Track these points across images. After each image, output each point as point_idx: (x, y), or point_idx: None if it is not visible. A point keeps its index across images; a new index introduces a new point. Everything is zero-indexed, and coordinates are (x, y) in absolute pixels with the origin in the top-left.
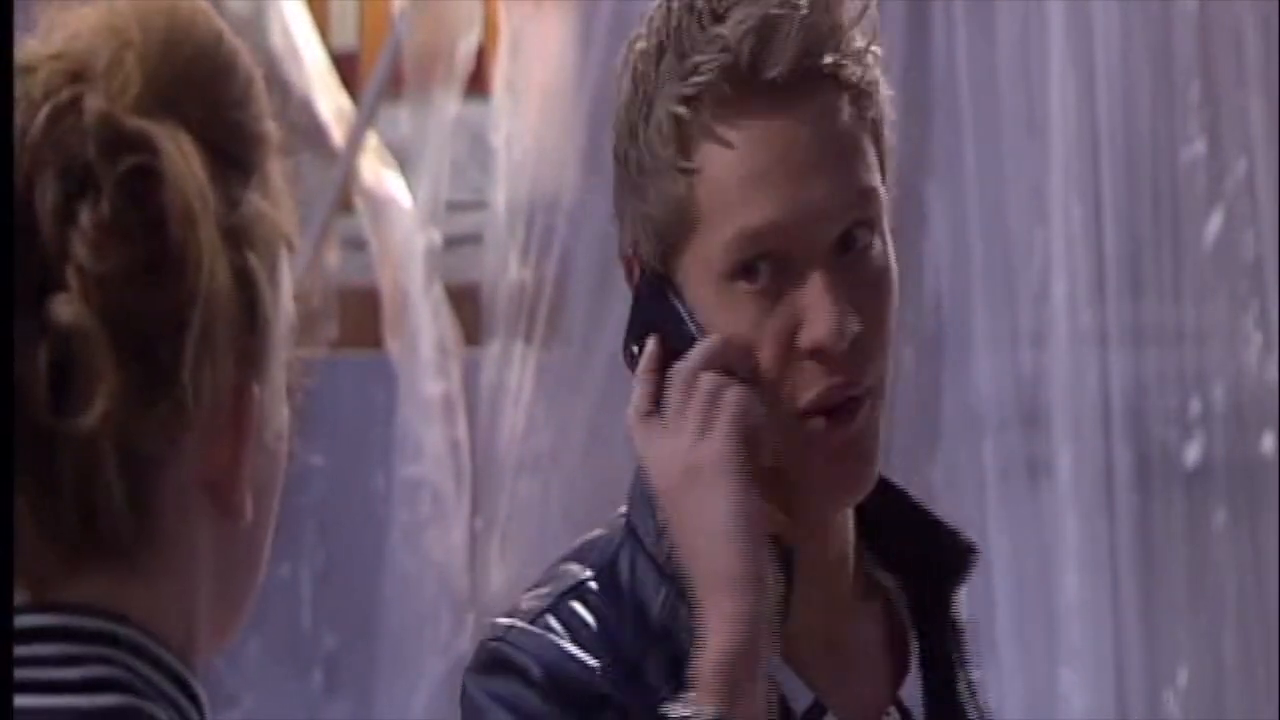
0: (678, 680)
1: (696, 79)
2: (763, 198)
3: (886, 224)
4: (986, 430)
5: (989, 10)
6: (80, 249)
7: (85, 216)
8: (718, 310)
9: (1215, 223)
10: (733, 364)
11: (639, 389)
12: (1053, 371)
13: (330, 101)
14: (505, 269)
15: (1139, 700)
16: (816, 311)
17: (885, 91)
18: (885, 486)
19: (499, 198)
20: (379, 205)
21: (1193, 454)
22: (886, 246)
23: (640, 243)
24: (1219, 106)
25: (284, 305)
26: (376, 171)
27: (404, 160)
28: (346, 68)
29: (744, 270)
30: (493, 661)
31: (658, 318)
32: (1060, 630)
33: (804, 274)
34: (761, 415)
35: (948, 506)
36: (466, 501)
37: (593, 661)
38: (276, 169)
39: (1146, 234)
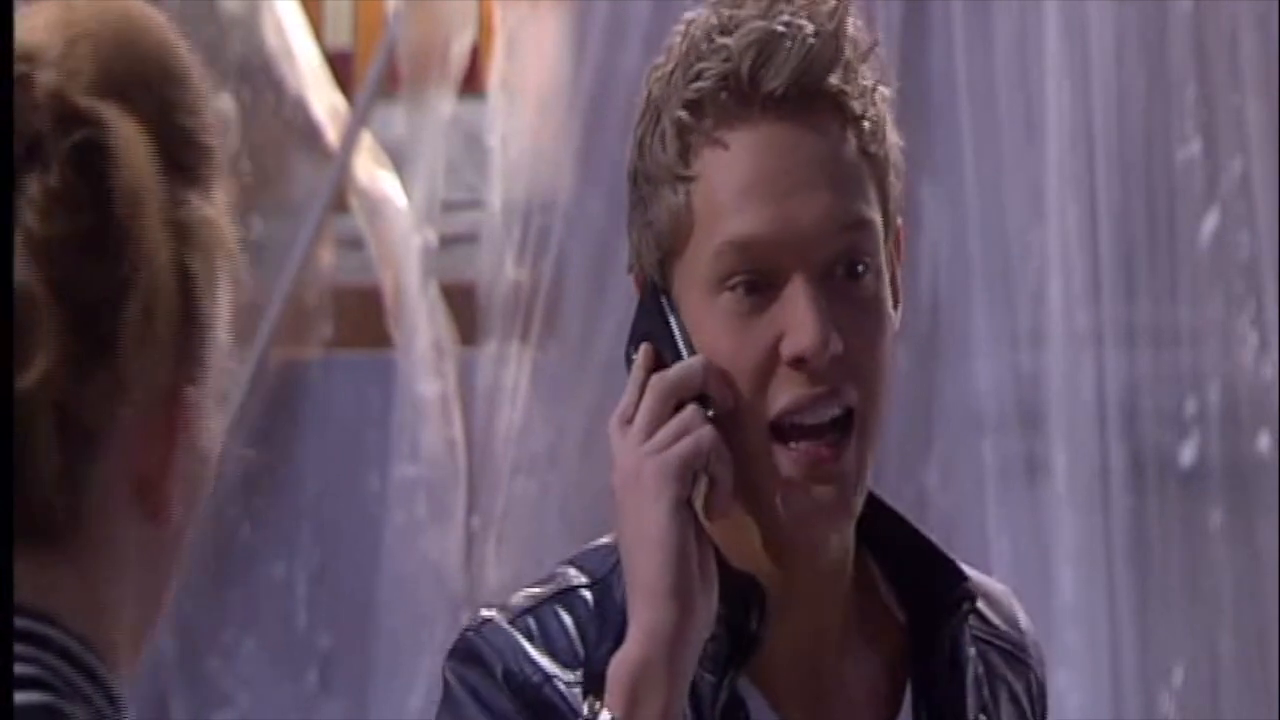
0: None
1: (699, 85)
2: (752, 210)
3: (884, 264)
4: (983, 430)
5: (986, 12)
6: (28, 215)
7: (34, 185)
8: (705, 320)
9: (1211, 223)
10: (710, 388)
11: (626, 396)
12: (1049, 372)
13: (325, 101)
14: (501, 269)
15: (1134, 700)
16: (799, 322)
17: (894, 138)
18: (895, 518)
19: (495, 198)
20: (374, 205)
21: (1188, 454)
22: (880, 284)
23: (642, 254)
24: (1214, 107)
25: (223, 315)
26: (371, 171)
27: (399, 160)
28: (341, 67)
29: (731, 282)
30: (466, 652)
31: (652, 327)
32: (1056, 630)
33: (789, 289)
34: (717, 453)
35: (943, 507)
36: (463, 501)
37: (553, 669)
38: (221, 189)
39: (1142, 234)
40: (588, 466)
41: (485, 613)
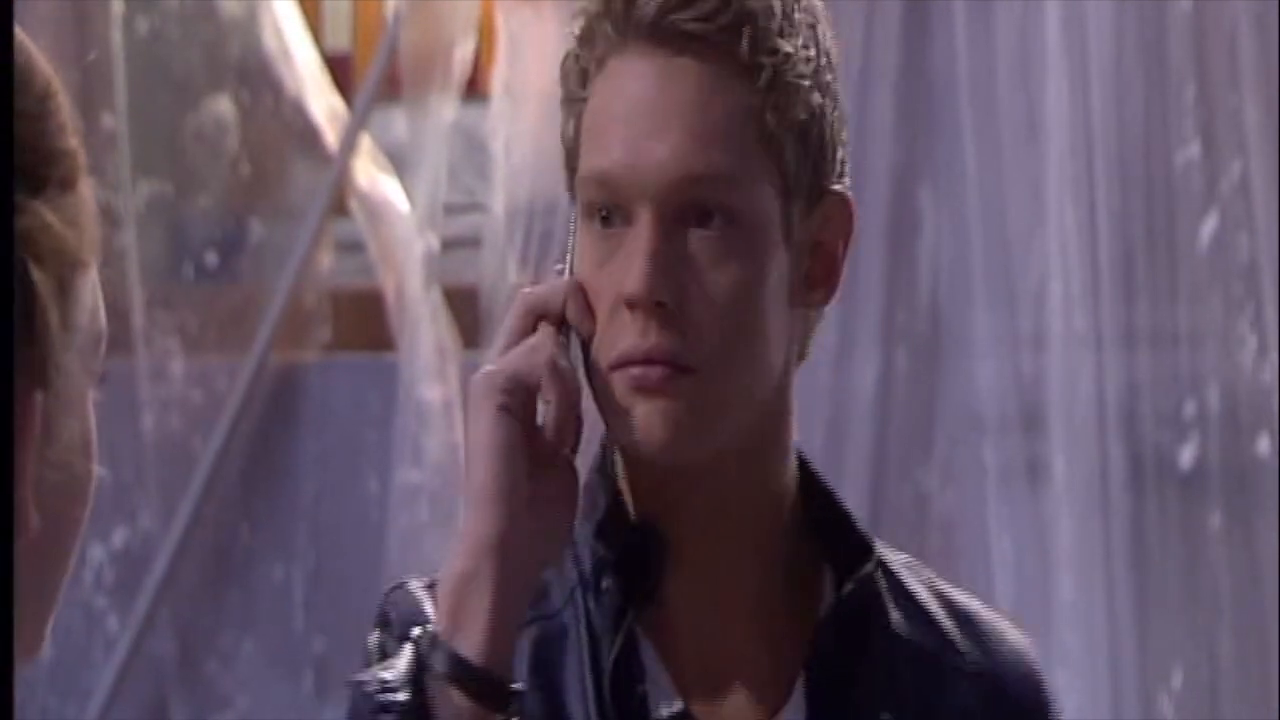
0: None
1: (584, 12)
2: (607, 145)
3: (769, 224)
4: (983, 432)
5: (987, 13)
6: None
7: None
8: (581, 245)
9: (1210, 225)
10: (569, 313)
11: None
12: (1048, 374)
13: (323, 103)
14: (504, 273)
15: (1133, 701)
16: (631, 265)
17: (811, 105)
18: (826, 493)
19: (497, 202)
20: (374, 208)
21: (1187, 456)
22: (749, 240)
23: (565, 176)
24: (1214, 108)
25: (79, 321)
26: (371, 175)
27: (401, 164)
28: (339, 70)
29: (595, 212)
30: (378, 616)
31: (566, 246)
32: (1055, 631)
33: (636, 228)
34: (554, 375)
35: (943, 508)
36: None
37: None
38: (78, 193)
39: (1141, 236)
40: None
41: (404, 578)
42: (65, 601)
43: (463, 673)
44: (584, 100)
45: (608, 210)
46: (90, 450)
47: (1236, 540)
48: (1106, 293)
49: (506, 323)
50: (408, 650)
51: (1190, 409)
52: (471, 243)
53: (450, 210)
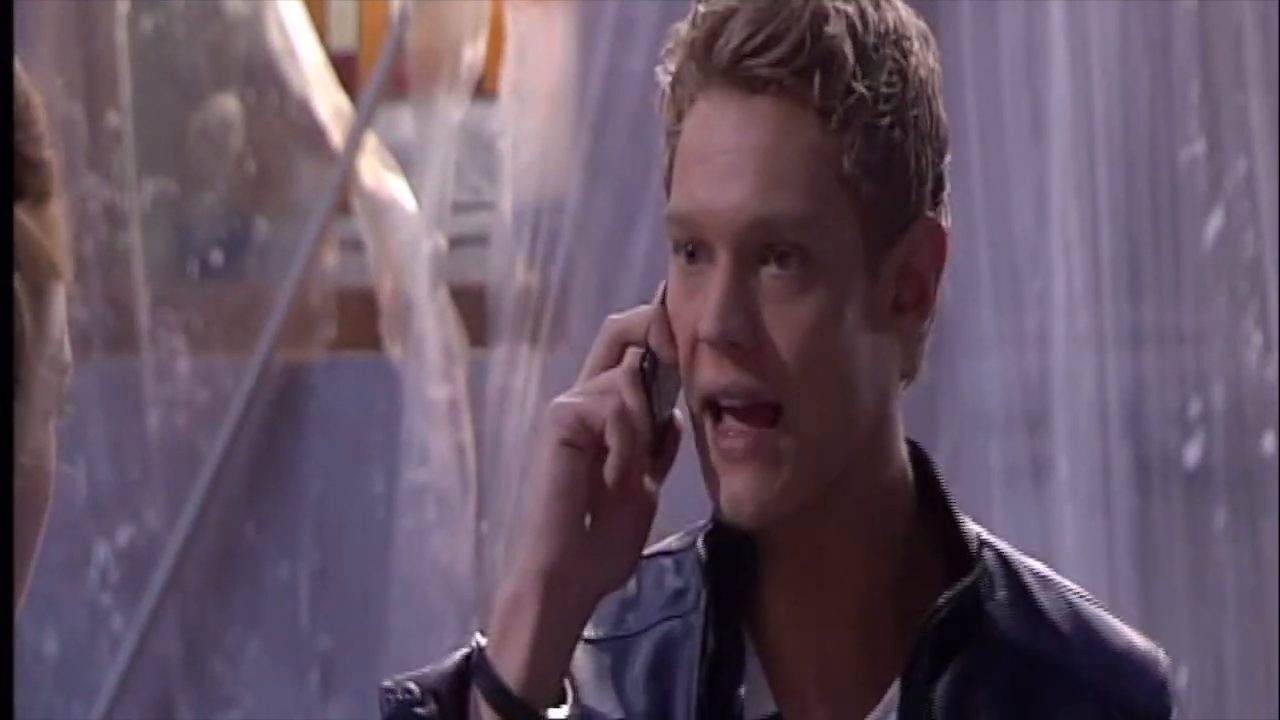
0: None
1: (674, 49)
2: (689, 184)
3: (849, 264)
4: (989, 431)
5: (992, 12)
6: None
7: None
8: (671, 276)
9: (1215, 222)
10: (652, 342)
11: None
12: (1054, 372)
13: (329, 102)
14: (511, 272)
15: None
16: (707, 303)
17: (890, 142)
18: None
19: (505, 201)
20: (380, 208)
21: (1193, 454)
22: (826, 280)
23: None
24: (1218, 106)
25: (49, 330)
26: (377, 173)
27: (408, 163)
28: (345, 69)
29: (681, 247)
30: None
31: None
32: None
33: (715, 266)
34: (621, 420)
35: None
36: (472, 506)
37: None
38: (54, 205)
39: (1146, 234)
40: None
41: None
42: (71, 600)
43: (498, 696)
44: (678, 134)
45: (692, 247)
46: (49, 466)
47: (1241, 538)
48: (1110, 291)
49: (593, 350)
50: (458, 657)
51: (1195, 407)
52: (479, 242)
53: (457, 209)
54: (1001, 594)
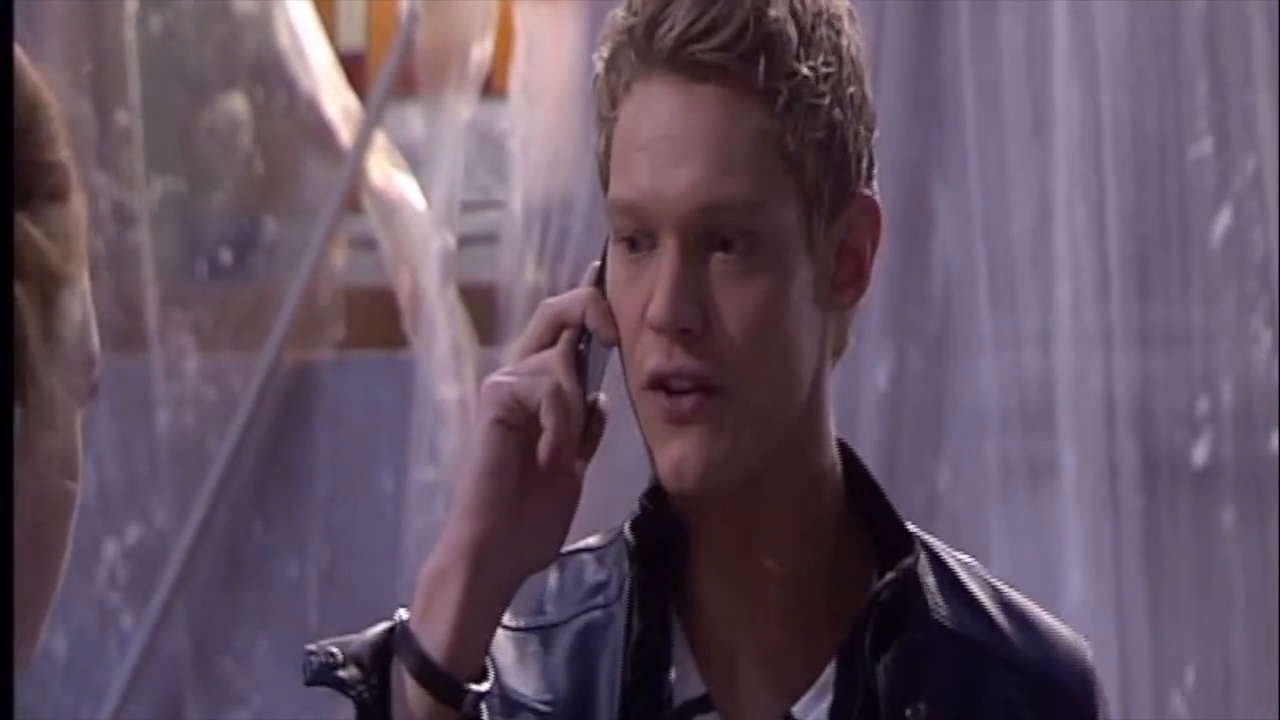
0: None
1: (612, 35)
2: (632, 171)
3: (796, 244)
4: (993, 430)
5: (995, 10)
6: None
7: None
8: (612, 260)
9: (1223, 221)
10: (591, 323)
11: None
12: (1059, 371)
13: (337, 101)
14: (521, 271)
15: (1146, 700)
16: (656, 290)
17: (831, 121)
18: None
19: (515, 200)
20: (390, 206)
21: (1200, 453)
22: (771, 263)
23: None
24: (1226, 104)
25: (63, 335)
26: (386, 172)
27: (418, 162)
28: (353, 68)
29: (618, 235)
30: None
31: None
32: None
33: (661, 252)
34: (556, 401)
35: (953, 507)
36: None
37: None
38: (67, 206)
39: (1154, 232)
40: (604, 468)
41: None
42: (80, 599)
43: (422, 668)
44: (614, 120)
45: (634, 235)
46: (71, 468)
47: (1250, 537)
48: (1118, 289)
49: (528, 331)
50: (381, 629)
51: (1203, 406)
52: (488, 240)
53: (467, 208)
54: (930, 579)
